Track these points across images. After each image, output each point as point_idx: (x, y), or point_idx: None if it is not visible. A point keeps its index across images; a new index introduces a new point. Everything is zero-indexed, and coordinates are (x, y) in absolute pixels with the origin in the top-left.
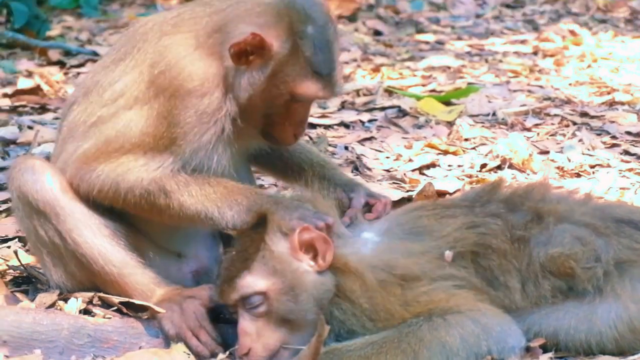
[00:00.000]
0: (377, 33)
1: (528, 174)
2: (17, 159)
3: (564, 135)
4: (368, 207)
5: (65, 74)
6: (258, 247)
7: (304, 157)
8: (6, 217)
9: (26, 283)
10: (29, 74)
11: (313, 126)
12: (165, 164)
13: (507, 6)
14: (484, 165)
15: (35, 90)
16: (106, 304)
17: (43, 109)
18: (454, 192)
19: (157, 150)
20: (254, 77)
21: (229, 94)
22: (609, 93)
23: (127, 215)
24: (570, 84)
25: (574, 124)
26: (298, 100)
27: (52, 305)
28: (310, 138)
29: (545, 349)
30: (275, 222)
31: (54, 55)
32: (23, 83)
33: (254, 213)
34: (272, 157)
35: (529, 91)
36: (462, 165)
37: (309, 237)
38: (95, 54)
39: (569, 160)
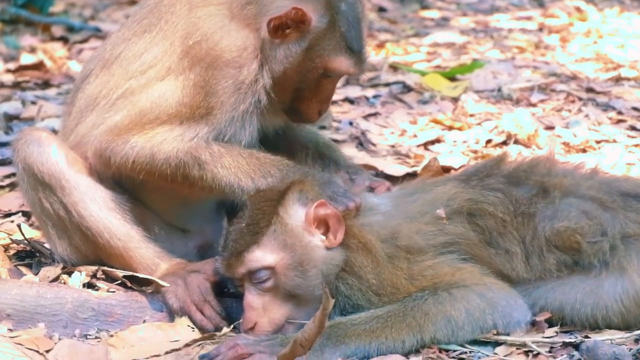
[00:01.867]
0: (382, 9)
1: (533, 150)
2: (23, 130)
3: (569, 110)
4: (370, 190)
5: (69, 49)
6: (270, 220)
7: (310, 138)
8: (10, 191)
9: (30, 257)
10: (32, 50)
11: None
12: (200, 134)
13: None
14: (489, 141)
15: (39, 66)
16: (110, 278)
17: (46, 84)
18: (459, 168)
19: (193, 120)
20: (290, 50)
21: (265, 66)
22: (614, 69)
23: (133, 189)
24: (576, 60)
25: (580, 99)
26: (330, 75)
27: (56, 279)
28: None
29: (551, 323)
30: (296, 195)
31: (57, 31)
32: (26, 59)
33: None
34: (279, 137)
35: (535, 67)
36: (467, 141)
37: (324, 213)
38: (98, 30)
39: (575, 136)
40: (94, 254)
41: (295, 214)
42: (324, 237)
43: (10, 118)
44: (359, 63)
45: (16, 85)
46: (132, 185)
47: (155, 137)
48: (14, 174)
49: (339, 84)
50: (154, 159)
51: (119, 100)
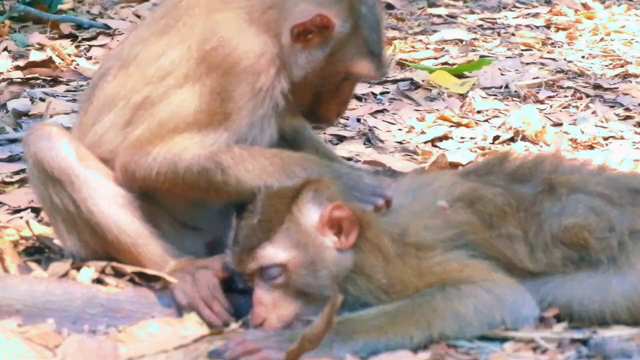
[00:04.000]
0: (389, 7)
1: (541, 146)
2: (34, 125)
3: (577, 107)
4: None
5: (77, 47)
6: (283, 218)
7: (311, 144)
8: (19, 187)
9: (39, 253)
10: (41, 47)
11: None
12: (220, 139)
13: None
14: (496, 138)
15: (47, 63)
16: (119, 274)
17: (55, 81)
18: (467, 164)
19: (212, 127)
20: (312, 55)
21: (283, 71)
22: (622, 66)
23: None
24: (583, 57)
25: (587, 96)
26: (351, 79)
27: (65, 275)
28: None
29: (559, 319)
30: (310, 194)
31: (66, 28)
32: (35, 56)
33: None
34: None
35: (542, 64)
36: (474, 138)
37: (339, 215)
38: (107, 27)
39: (582, 133)
40: (103, 250)
41: (309, 213)
42: (336, 239)
43: (19, 115)
44: (380, 67)
45: (25, 82)
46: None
47: (176, 147)
48: (23, 170)
49: None
50: (176, 168)
51: (139, 112)
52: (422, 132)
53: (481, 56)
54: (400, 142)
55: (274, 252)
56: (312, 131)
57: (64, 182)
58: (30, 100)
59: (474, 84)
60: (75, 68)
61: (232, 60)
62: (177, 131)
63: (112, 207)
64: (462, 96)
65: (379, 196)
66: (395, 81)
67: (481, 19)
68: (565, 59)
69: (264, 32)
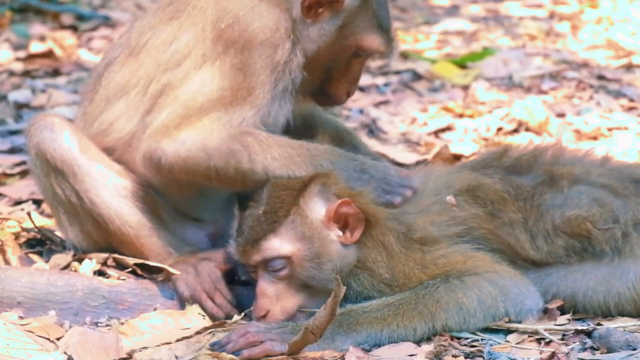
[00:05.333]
0: None
1: (545, 137)
2: (36, 116)
3: (580, 98)
4: None
5: (78, 38)
6: (289, 210)
7: (330, 124)
8: (20, 179)
9: (40, 245)
10: (42, 38)
11: None
12: (247, 117)
13: None
14: (500, 129)
15: (48, 54)
16: (121, 266)
17: (56, 72)
18: (470, 155)
19: (237, 103)
20: (323, 29)
21: (297, 45)
22: (626, 56)
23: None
24: (586, 48)
25: (591, 87)
26: (361, 54)
27: (67, 267)
28: None
29: (563, 310)
30: (318, 187)
31: (67, 19)
32: (36, 47)
33: None
34: (299, 125)
35: (545, 55)
36: (477, 129)
37: (346, 211)
38: (107, 18)
39: (586, 123)
40: (105, 241)
41: (316, 206)
42: (340, 233)
43: (20, 106)
44: (389, 41)
45: (26, 74)
46: (164, 184)
47: (204, 129)
48: (24, 162)
49: None
50: (206, 150)
51: (160, 99)
52: (425, 124)
53: (484, 47)
54: (403, 134)
55: (279, 244)
56: (328, 114)
57: (66, 173)
58: (32, 91)
59: (477, 75)
60: (76, 59)
61: (248, 35)
62: (204, 111)
63: (115, 198)
64: (465, 87)
65: (406, 187)
66: (397, 72)
67: (484, 10)
68: (568, 50)
69: (275, 7)
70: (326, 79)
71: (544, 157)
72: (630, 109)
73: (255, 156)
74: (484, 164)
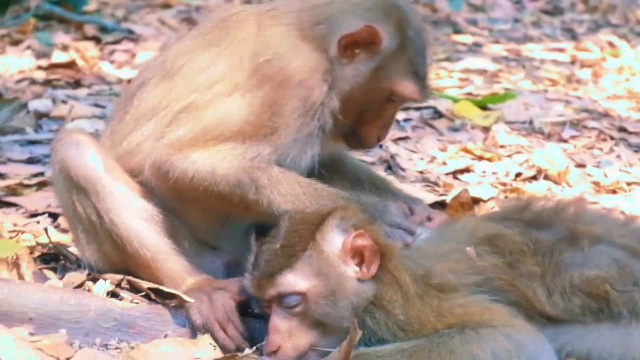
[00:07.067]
0: None
1: (563, 187)
2: (63, 131)
3: (601, 149)
4: (428, 220)
5: (101, 50)
6: (306, 245)
7: (362, 170)
8: (36, 190)
9: (54, 260)
10: (64, 48)
11: None
12: (262, 154)
13: (546, 12)
14: (518, 174)
15: (70, 65)
16: (134, 289)
17: (77, 84)
18: (488, 199)
19: (256, 140)
20: (358, 69)
21: (334, 89)
22: None
23: (166, 201)
24: (608, 97)
25: (612, 138)
26: (394, 99)
27: (80, 286)
28: None
29: None
30: (336, 221)
31: (90, 30)
32: (58, 56)
33: None
34: (330, 168)
35: (567, 101)
36: (496, 172)
37: (361, 244)
38: (130, 32)
39: (606, 176)
40: (122, 262)
41: (333, 240)
42: (357, 269)
43: (40, 115)
44: (423, 89)
45: (47, 83)
46: (169, 197)
47: (217, 154)
48: (42, 173)
49: None
50: (213, 175)
51: (181, 115)
52: (444, 163)
53: (506, 89)
54: (421, 172)
55: (294, 280)
56: (356, 159)
57: (89, 191)
58: (52, 101)
59: (498, 118)
60: (97, 71)
61: (286, 73)
62: (222, 139)
63: (135, 220)
64: (486, 129)
65: (407, 233)
66: (419, 109)
67: (506, 50)
68: (590, 98)
69: (315, 48)
70: (358, 122)
71: (566, 213)
72: None
73: (263, 190)
74: (505, 215)
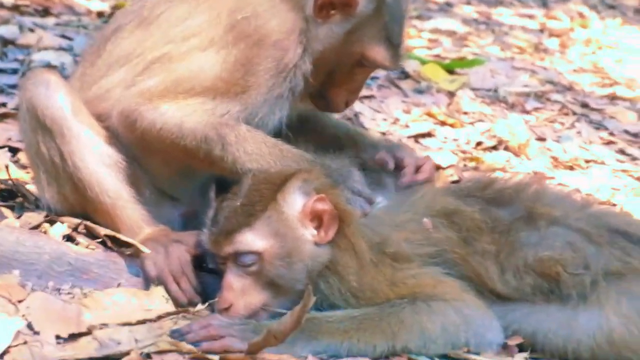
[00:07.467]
0: None
1: (522, 160)
2: (34, 70)
3: (562, 124)
4: (417, 168)
5: None
6: (266, 205)
7: (339, 126)
8: None
9: (12, 198)
10: None
11: None
12: (232, 111)
13: None
14: (479, 143)
15: None
16: (91, 234)
17: (46, 12)
18: (447, 167)
19: (227, 97)
20: (332, 30)
21: (307, 50)
22: (611, 85)
23: (131, 149)
24: (573, 70)
25: (574, 113)
26: (365, 64)
27: (37, 227)
28: None
29: (521, 348)
30: (298, 183)
31: None
32: None
33: None
34: (306, 127)
35: (533, 71)
36: (457, 139)
37: (321, 208)
38: None
39: (565, 152)
40: (81, 207)
41: (294, 202)
42: (315, 232)
43: (5, 43)
44: (395, 57)
45: (15, 9)
46: (134, 145)
47: (186, 108)
48: (4, 104)
49: None
50: (181, 129)
51: (154, 65)
52: (407, 126)
53: (474, 54)
54: (383, 133)
55: (252, 239)
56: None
57: (54, 133)
58: (19, 28)
59: (464, 83)
60: (66, 1)
61: (263, 32)
62: (193, 93)
63: (98, 165)
64: (451, 94)
65: (366, 200)
66: None
67: (477, 12)
68: (555, 70)
69: (292, 7)
70: (327, 83)
71: (526, 193)
72: (609, 142)
73: (229, 147)
74: (467, 192)
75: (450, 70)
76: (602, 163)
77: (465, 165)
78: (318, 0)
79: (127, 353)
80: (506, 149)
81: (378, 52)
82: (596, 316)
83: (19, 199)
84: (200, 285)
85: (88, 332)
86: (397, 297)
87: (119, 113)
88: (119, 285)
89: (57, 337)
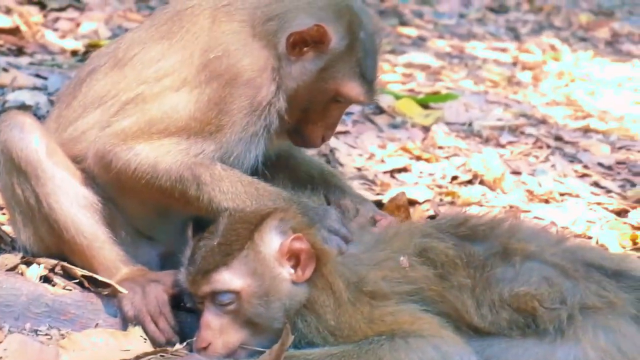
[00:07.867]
0: None
1: (498, 193)
2: (8, 113)
3: (536, 157)
4: (373, 222)
5: (45, 16)
6: (243, 244)
7: (314, 165)
8: None
9: None
10: (8, 11)
11: None
12: (206, 151)
13: (492, 10)
14: (455, 177)
15: (14, 31)
16: (68, 275)
17: (20, 51)
18: (423, 202)
19: (201, 137)
20: (306, 68)
21: (281, 87)
22: (584, 118)
23: (106, 190)
24: (547, 103)
25: (548, 147)
26: (340, 100)
27: (14, 269)
28: None
29: None
30: (275, 222)
31: None
32: (2, 20)
33: None
34: (282, 163)
35: (506, 104)
36: (433, 174)
37: (298, 247)
38: (77, 0)
39: (540, 185)
40: (57, 248)
41: (271, 242)
42: (292, 271)
43: None
44: (369, 92)
45: None
46: (110, 186)
47: (161, 148)
48: None
49: None
50: (155, 169)
51: (128, 106)
52: (382, 161)
53: (448, 88)
54: (359, 169)
55: (229, 278)
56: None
57: (29, 175)
58: None
59: (438, 117)
60: (41, 39)
61: (235, 71)
62: (167, 133)
63: (74, 206)
64: (426, 128)
65: (343, 238)
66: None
67: (450, 46)
68: (529, 103)
69: (265, 45)
70: (303, 120)
71: (500, 228)
72: (584, 175)
73: (204, 186)
74: (441, 228)
75: (424, 105)
76: (577, 196)
77: (441, 200)
78: (290, 38)
79: None
80: (481, 183)
81: (352, 88)
82: (573, 350)
83: None
84: (178, 324)
85: None
86: (375, 335)
87: (94, 154)
88: (96, 325)
89: None
